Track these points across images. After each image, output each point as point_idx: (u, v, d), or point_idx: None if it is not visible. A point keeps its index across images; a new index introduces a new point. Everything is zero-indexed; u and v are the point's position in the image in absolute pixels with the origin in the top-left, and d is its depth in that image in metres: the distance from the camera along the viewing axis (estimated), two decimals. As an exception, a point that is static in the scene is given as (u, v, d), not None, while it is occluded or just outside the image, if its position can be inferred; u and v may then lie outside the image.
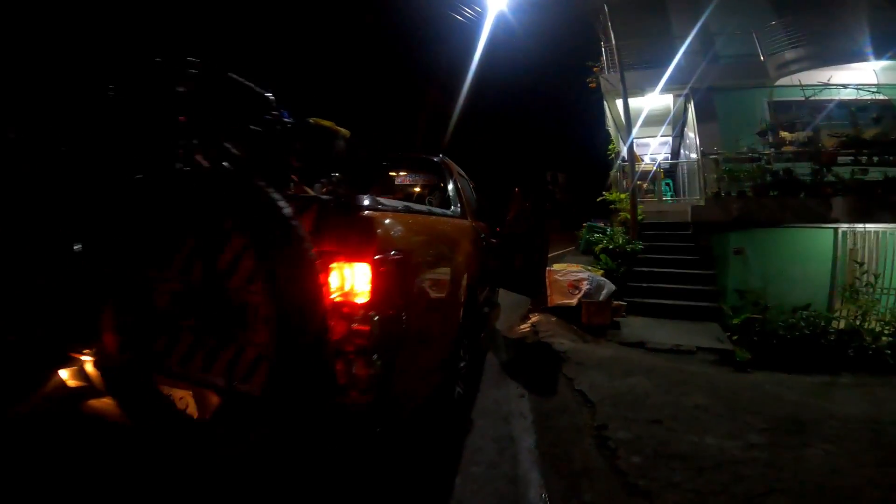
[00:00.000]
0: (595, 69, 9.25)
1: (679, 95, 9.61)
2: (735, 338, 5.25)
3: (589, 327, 5.00)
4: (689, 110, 9.72)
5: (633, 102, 9.62)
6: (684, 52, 8.47)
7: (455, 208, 3.18)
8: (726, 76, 8.83)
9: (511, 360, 3.96)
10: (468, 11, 8.01)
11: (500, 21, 7.61)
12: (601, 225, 8.99)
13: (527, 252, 4.58)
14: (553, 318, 5.18)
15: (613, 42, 7.89)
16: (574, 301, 5.17)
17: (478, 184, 4.92)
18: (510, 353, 4.19)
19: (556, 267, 5.79)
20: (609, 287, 5.38)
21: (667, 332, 5.32)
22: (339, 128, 2.41)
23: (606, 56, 9.02)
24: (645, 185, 9.95)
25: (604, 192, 8.59)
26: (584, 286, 5.26)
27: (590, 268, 6.04)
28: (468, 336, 2.82)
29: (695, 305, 6.16)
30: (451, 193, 3.27)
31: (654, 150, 12.59)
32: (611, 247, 6.86)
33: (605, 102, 9.97)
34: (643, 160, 11.22)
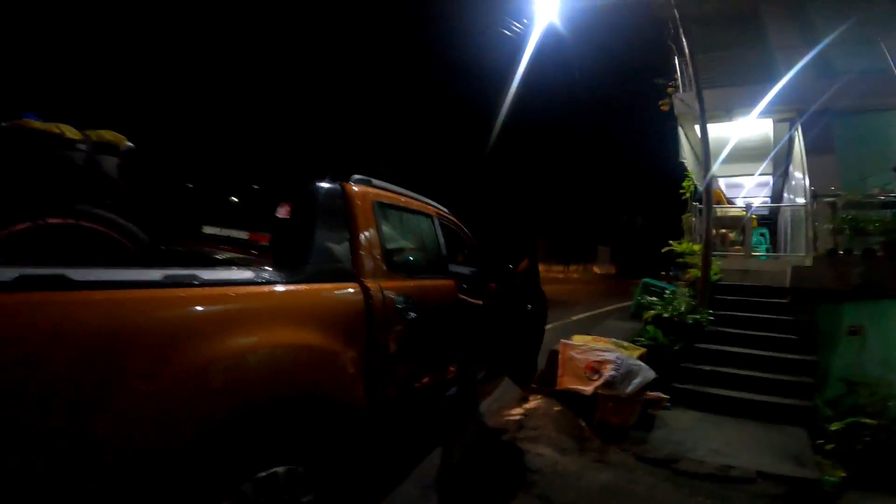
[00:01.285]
0: (669, 89, 7.72)
1: (782, 121, 7.73)
2: (829, 447, 3.57)
3: (602, 427, 3.67)
4: (797, 140, 7.77)
5: (718, 129, 7.90)
6: (788, 66, 6.73)
7: (340, 263, 2.22)
8: (848, 96, 6.87)
9: (454, 472, 2.85)
10: (515, 25, 7.09)
11: (551, 34, 6.63)
12: (662, 284, 7.32)
13: (513, 322, 3.46)
14: (556, 408, 3.91)
15: (688, 54, 6.45)
16: (589, 389, 3.87)
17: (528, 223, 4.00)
18: (465, 458, 3.06)
19: (576, 340, 4.51)
20: (644, 376, 4.00)
21: (722, 438, 3.79)
22: (86, 133, 1.65)
23: (681, 72, 7.51)
24: (732, 235, 8.09)
25: (670, 242, 6.99)
26: (608, 371, 3.93)
27: (625, 345, 4.64)
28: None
29: (776, 402, 4.47)
30: (334, 244, 2.26)
31: (748, 192, 10.48)
32: (666, 315, 5.35)
33: (679, 129, 8.34)
34: (732, 203, 9.29)
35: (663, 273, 10.51)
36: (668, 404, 4.33)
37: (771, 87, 6.90)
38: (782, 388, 4.68)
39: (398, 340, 2.44)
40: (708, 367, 4.99)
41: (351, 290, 2.15)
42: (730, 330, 5.57)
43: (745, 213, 8.51)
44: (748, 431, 4.08)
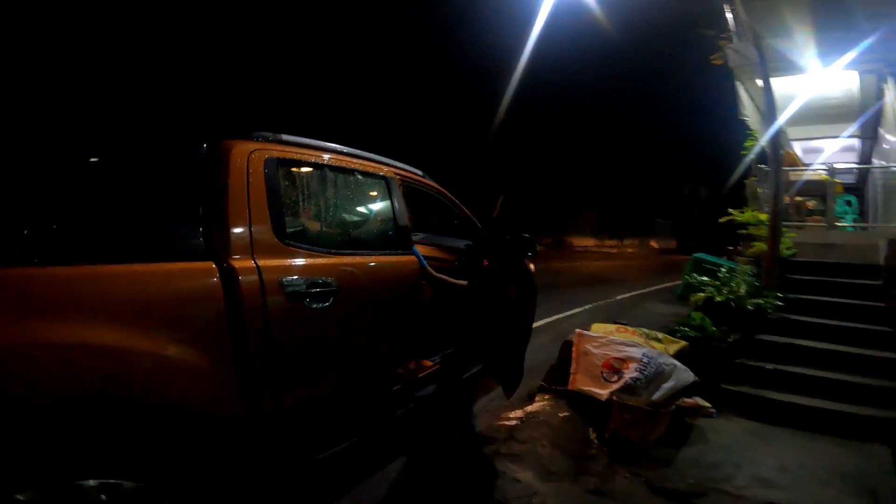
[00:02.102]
0: (721, 42, 6.41)
1: (867, 72, 6.21)
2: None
3: (615, 442, 2.91)
4: (888, 94, 6.24)
5: (787, 84, 6.51)
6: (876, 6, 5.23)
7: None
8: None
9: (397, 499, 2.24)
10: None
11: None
12: (716, 260, 6.16)
13: (494, 309, 2.75)
14: (563, 413, 3.17)
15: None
16: (603, 393, 3.10)
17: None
18: (422, 479, 2.44)
19: (596, 329, 3.70)
20: (678, 380, 3.18)
21: (775, 460, 2.95)
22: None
23: (735, 18, 6.15)
24: (810, 204, 6.74)
25: (730, 211, 5.84)
26: (630, 372, 3.14)
27: (658, 336, 3.77)
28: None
29: (855, 413, 3.49)
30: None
31: (830, 157, 8.84)
32: (719, 298, 4.36)
33: (737, 83, 6.99)
34: (807, 167, 7.80)
35: (730, 248, 9.19)
36: (713, 411, 3.47)
37: (854, 34, 5.45)
38: (866, 394, 3.66)
39: (302, 336, 1.83)
40: (770, 366, 4.01)
41: (195, 270, 1.53)
42: (802, 318, 4.50)
43: (827, 176, 7.07)
44: (813, 450, 3.17)
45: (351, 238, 2.35)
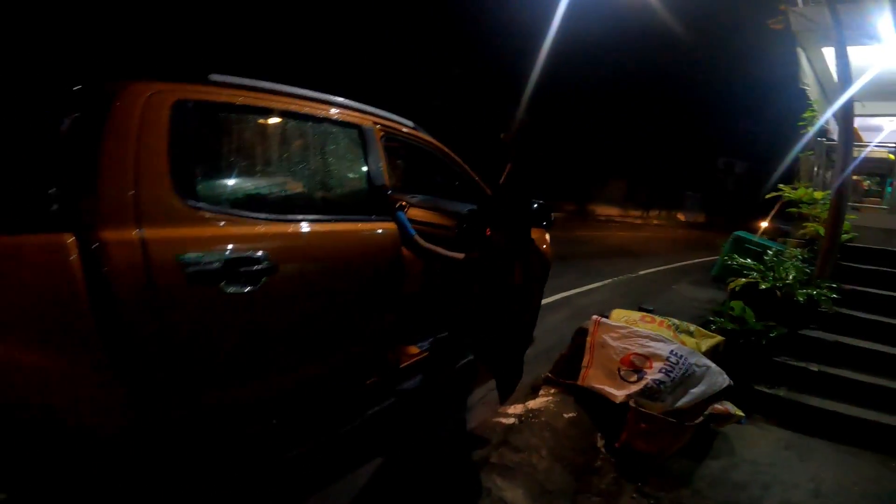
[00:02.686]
0: (781, 6, 5.53)
1: None
2: None
3: (626, 453, 2.47)
4: None
5: (858, 54, 5.59)
6: None
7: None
8: None
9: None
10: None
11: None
12: (762, 241, 5.47)
13: (494, 291, 2.27)
14: (569, 413, 2.72)
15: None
16: (618, 395, 2.63)
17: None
18: (386, 495, 2.05)
19: (617, 316, 3.18)
20: (711, 384, 2.69)
21: (813, 481, 2.55)
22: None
23: None
24: (866, 184, 5.94)
25: (780, 187, 5.11)
26: (653, 373, 2.66)
27: (691, 329, 3.24)
28: None
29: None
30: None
31: (888, 136, 7.84)
32: (764, 285, 3.77)
33: (800, 51, 6.08)
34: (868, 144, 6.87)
35: (765, 225, 8.42)
36: (743, 419, 2.99)
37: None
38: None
39: (220, 326, 1.40)
40: (816, 367, 3.47)
41: (38, 245, 1.09)
42: (857, 314, 3.90)
43: (892, 155, 6.21)
44: (855, 470, 2.71)
45: (302, 200, 1.87)
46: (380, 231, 2.03)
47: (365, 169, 2.06)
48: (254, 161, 1.73)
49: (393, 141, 2.57)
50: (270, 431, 1.70)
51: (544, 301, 4.65)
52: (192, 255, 1.34)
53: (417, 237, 2.36)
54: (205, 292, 1.37)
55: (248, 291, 1.44)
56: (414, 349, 2.50)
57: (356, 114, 2.09)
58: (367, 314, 2.02)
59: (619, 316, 3.12)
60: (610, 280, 7.65)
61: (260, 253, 1.50)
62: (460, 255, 2.53)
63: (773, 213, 7.70)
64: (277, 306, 1.58)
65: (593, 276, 7.63)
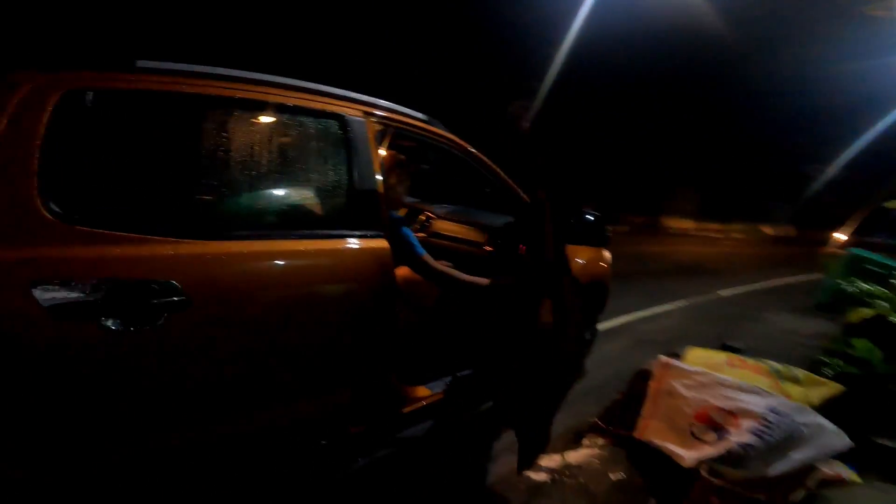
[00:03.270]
0: None
1: None
2: None
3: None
4: None
5: None
6: None
7: None
8: None
9: None
10: None
11: None
12: (888, 261, 4.35)
13: (518, 331, 1.74)
14: (616, 474, 2.07)
15: None
16: (687, 458, 1.96)
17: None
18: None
19: (693, 357, 2.49)
20: (823, 447, 1.99)
21: None
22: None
23: None
24: None
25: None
26: (740, 434, 1.97)
27: (799, 376, 2.47)
28: None
29: None
30: None
31: None
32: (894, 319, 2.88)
33: None
34: None
35: (878, 241, 7.07)
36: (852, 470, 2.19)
37: None
38: None
39: (96, 374, 1.09)
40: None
41: None
42: None
43: None
44: None
45: (248, 213, 1.47)
46: (362, 250, 1.58)
47: (348, 171, 1.62)
48: (180, 163, 1.37)
49: (403, 138, 2.14)
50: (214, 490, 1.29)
51: (599, 326, 3.98)
52: (51, 284, 1.00)
53: (427, 257, 1.89)
54: (77, 329, 1.02)
55: (145, 329, 1.11)
56: (423, 391, 2.01)
57: (337, 102, 1.66)
58: (341, 353, 1.57)
59: (697, 357, 2.43)
60: (682, 302, 6.70)
61: (169, 281, 1.13)
62: (485, 281, 2.02)
63: (857, 223, 6.47)
64: (197, 347, 1.19)
65: (662, 297, 6.71)
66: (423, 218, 3.15)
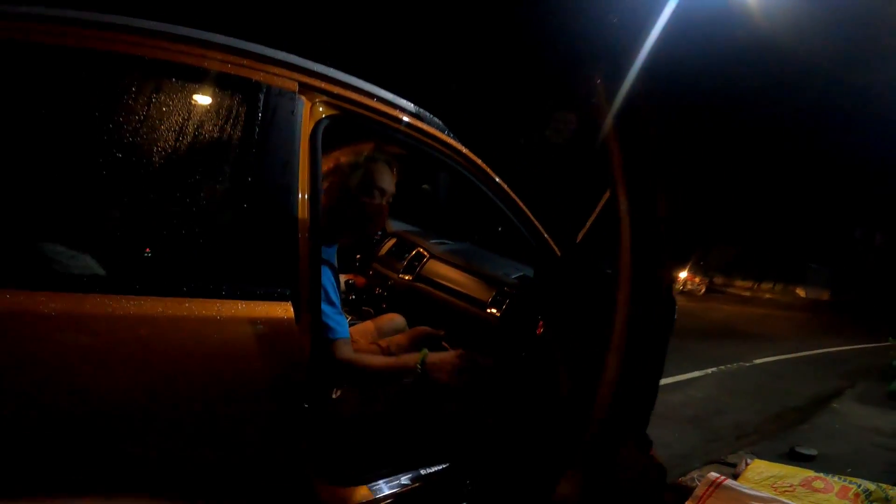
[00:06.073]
0: None
1: None
2: None
3: None
4: None
5: None
6: None
7: None
8: None
9: None
10: None
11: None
12: None
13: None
14: None
15: None
16: None
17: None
18: None
19: (757, 471, 1.83)
20: None
21: None
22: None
23: None
24: None
25: None
26: None
27: (890, 495, 1.78)
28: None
29: None
30: None
31: None
32: None
33: None
34: None
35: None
36: None
37: None
38: None
39: None
40: None
41: None
42: None
43: None
44: None
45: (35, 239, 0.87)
46: (238, 322, 0.97)
47: (240, 182, 1.03)
48: None
49: (385, 139, 1.54)
50: None
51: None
52: None
53: (339, 345, 1.34)
54: None
55: None
56: (361, 493, 1.40)
57: (253, 63, 1.06)
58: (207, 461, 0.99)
59: (761, 472, 1.77)
60: (713, 369, 5.92)
61: None
62: (413, 359, 1.44)
63: None
64: None
65: (689, 362, 5.92)
66: (414, 255, 2.52)
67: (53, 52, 0.89)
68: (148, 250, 0.95)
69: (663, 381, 4.69)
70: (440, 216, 3.19)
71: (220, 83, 1.03)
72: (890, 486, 1.92)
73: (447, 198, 2.97)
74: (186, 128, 0.99)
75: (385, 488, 1.46)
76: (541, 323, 1.57)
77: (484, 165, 1.56)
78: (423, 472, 1.55)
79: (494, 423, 1.49)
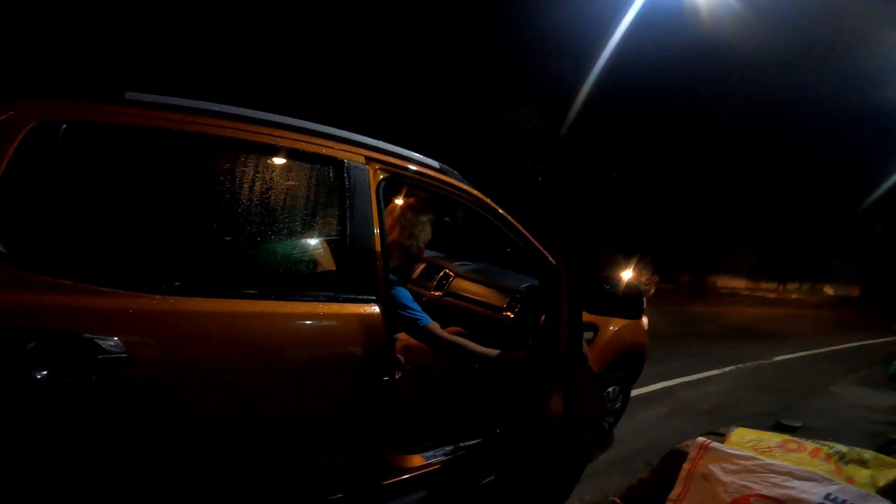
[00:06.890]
0: None
1: None
2: None
3: None
4: None
5: None
6: None
7: None
8: None
9: None
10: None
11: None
12: None
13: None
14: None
15: None
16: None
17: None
18: None
19: (738, 437, 2.20)
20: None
21: None
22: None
23: None
24: None
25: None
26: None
27: (864, 456, 2.12)
28: None
29: None
30: None
31: None
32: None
33: None
34: None
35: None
36: None
37: None
38: None
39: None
40: None
41: None
42: None
43: None
44: None
45: (216, 267, 1.40)
46: (348, 316, 1.49)
47: (340, 225, 1.54)
48: (148, 207, 1.30)
49: (407, 186, 2.08)
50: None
51: (635, 392, 3.68)
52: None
53: (431, 325, 1.81)
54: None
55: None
56: (417, 459, 1.84)
57: (335, 145, 1.59)
58: (317, 424, 1.45)
59: (744, 438, 2.14)
60: (732, 367, 6.15)
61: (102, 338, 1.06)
62: (493, 352, 1.92)
63: None
64: (141, 411, 1.12)
65: (709, 361, 6.20)
66: (441, 275, 3.04)
67: (226, 144, 1.42)
68: (297, 274, 1.54)
69: (682, 379, 5.04)
70: (460, 243, 3.71)
71: (327, 161, 1.58)
72: (865, 450, 2.25)
73: (465, 228, 3.49)
74: (310, 193, 1.56)
75: (435, 456, 1.90)
76: (543, 317, 2.02)
77: (490, 202, 2.08)
78: (461, 444, 1.99)
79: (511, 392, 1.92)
